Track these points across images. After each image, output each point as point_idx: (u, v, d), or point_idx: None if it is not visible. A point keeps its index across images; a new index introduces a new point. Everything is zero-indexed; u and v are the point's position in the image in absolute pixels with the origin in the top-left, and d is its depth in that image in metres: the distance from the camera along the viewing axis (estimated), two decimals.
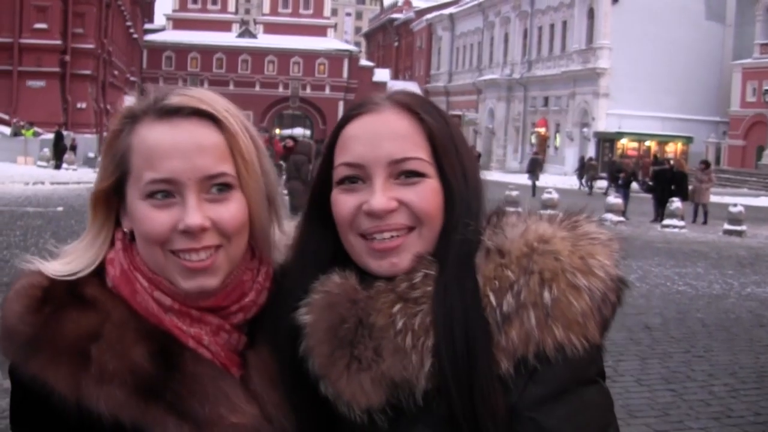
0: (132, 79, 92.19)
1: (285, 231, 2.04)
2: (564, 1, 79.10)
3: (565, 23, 79.55)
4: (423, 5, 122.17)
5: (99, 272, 1.89)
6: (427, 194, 1.80)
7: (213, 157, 1.81)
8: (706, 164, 37.63)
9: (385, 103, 1.87)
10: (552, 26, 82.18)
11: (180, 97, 1.85)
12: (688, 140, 70.17)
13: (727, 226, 30.31)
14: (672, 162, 38.86)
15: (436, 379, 1.70)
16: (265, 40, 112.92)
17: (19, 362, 1.78)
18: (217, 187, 1.82)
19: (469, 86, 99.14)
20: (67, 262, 1.90)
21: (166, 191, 1.80)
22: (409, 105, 1.87)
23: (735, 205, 31.24)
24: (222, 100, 1.91)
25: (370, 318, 1.76)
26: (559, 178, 59.33)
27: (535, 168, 51.39)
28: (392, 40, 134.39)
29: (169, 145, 1.80)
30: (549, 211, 1.90)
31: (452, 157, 1.85)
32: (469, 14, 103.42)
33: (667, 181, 34.63)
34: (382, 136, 1.82)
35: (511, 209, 1.94)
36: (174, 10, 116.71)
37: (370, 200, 1.79)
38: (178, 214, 1.79)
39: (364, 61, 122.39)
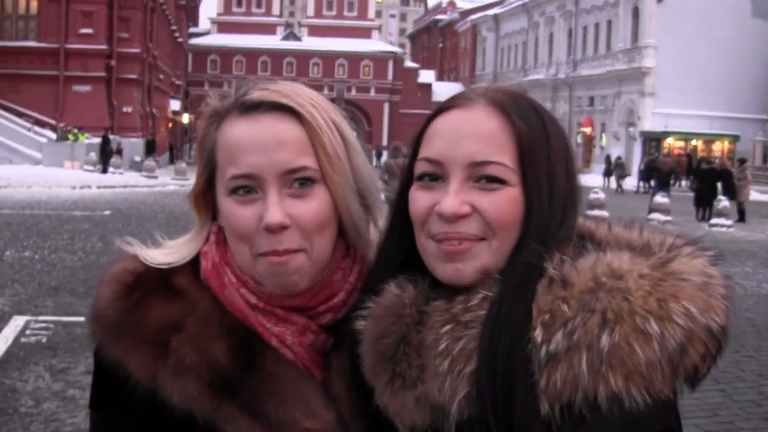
0: (177, 83, 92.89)
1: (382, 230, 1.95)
2: (608, 0, 78.78)
3: (609, 22, 79.23)
4: (467, 6, 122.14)
5: (194, 264, 1.91)
6: (503, 203, 1.67)
7: (293, 151, 1.79)
8: (741, 161, 37.54)
9: (479, 99, 1.73)
10: (597, 25, 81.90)
11: (260, 91, 1.84)
12: (735, 139, 69.69)
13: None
14: (717, 161, 38.79)
15: (470, 409, 1.57)
16: (309, 43, 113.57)
17: (104, 345, 1.82)
18: (299, 181, 1.79)
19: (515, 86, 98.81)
20: (167, 254, 1.93)
21: (248, 187, 1.78)
22: (503, 104, 1.72)
23: None
24: (307, 93, 1.87)
25: (421, 335, 1.67)
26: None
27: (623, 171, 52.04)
28: (437, 42, 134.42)
29: (249, 140, 1.79)
30: (656, 225, 1.72)
31: (541, 167, 1.69)
32: (513, 14, 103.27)
33: (714, 180, 34.45)
34: (465, 134, 1.69)
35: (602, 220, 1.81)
36: (218, 14, 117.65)
37: (442, 201, 1.67)
38: (260, 209, 1.77)
39: (408, 63, 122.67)
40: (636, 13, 74.13)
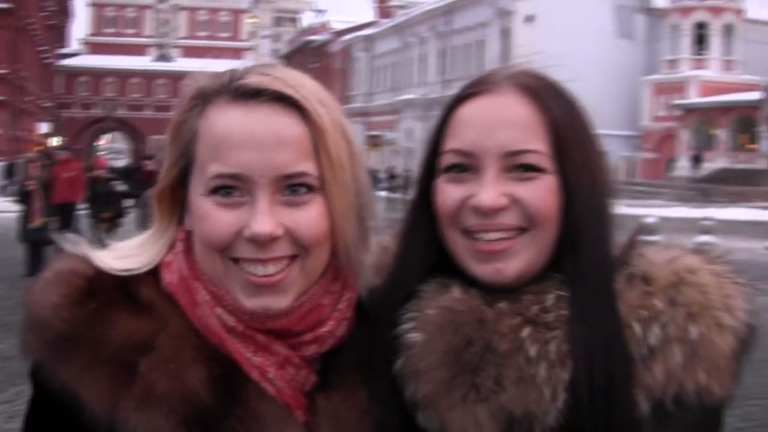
0: (46, 105, 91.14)
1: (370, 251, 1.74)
2: (479, 21, 79.89)
3: (480, 43, 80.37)
4: (340, 27, 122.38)
5: (154, 274, 1.63)
6: (543, 192, 1.58)
7: (293, 153, 1.51)
8: None
9: (506, 84, 1.65)
10: (468, 46, 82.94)
11: (261, 76, 1.56)
12: None
13: (641, 238, 30.61)
14: None
15: (564, 417, 1.50)
16: (182, 64, 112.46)
17: (46, 364, 1.51)
18: (293, 188, 1.53)
19: (387, 107, 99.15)
20: (121, 257, 1.64)
21: (234, 187, 1.51)
22: (533, 89, 1.63)
23: (649, 216, 31.96)
24: (313, 85, 1.62)
25: (493, 342, 1.55)
26: None
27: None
28: (310, 62, 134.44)
29: (242, 134, 1.50)
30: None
31: (577, 152, 1.61)
32: (386, 35, 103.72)
33: None
34: (497, 122, 1.60)
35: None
36: (89, 34, 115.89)
37: (478, 194, 1.57)
38: (245, 216, 1.50)
39: None
40: (506, 34, 75.36)
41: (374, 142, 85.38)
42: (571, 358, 1.51)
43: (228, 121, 1.53)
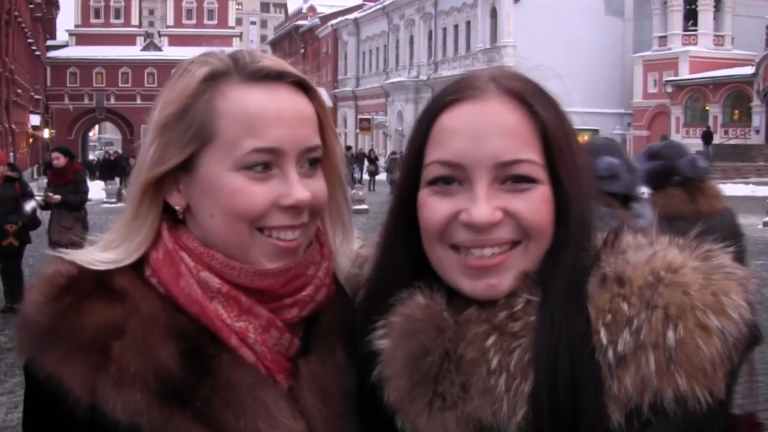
0: (36, 97, 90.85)
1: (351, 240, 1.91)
2: (467, 2, 79.80)
3: (468, 23, 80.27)
4: (327, 11, 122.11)
5: (136, 263, 1.72)
6: (537, 204, 1.52)
7: (312, 129, 1.69)
8: None
9: (490, 89, 1.56)
10: (456, 27, 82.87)
11: (271, 61, 1.72)
12: (594, 133, 71.28)
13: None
14: None
15: (528, 429, 1.46)
16: (170, 52, 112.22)
17: (34, 357, 1.62)
18: (309, 161, 1.69)
19: (377, 90, 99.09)
20: (107, 249, 1.73)
21: (266, 163, 1.64)
22: (520, 94, 1.56)
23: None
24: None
25: (459, 349, 1.52)
26: None
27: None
28: (298, 47, 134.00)
29: (274, 112, 1.64)
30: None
31: (567, 158, 1.56)
32: (373, 18, 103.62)
33: None
34: (487, 131, 1.52)
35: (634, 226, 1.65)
36: (76, 26, 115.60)
37: (470, 209, 1.50)
38: (278, 187, 1.64)
39: None
40: (494, 14, 75.30)
41: (364, 125, 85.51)
42: (534, 368, 1.46)
43: (258, 99, 1.65)
